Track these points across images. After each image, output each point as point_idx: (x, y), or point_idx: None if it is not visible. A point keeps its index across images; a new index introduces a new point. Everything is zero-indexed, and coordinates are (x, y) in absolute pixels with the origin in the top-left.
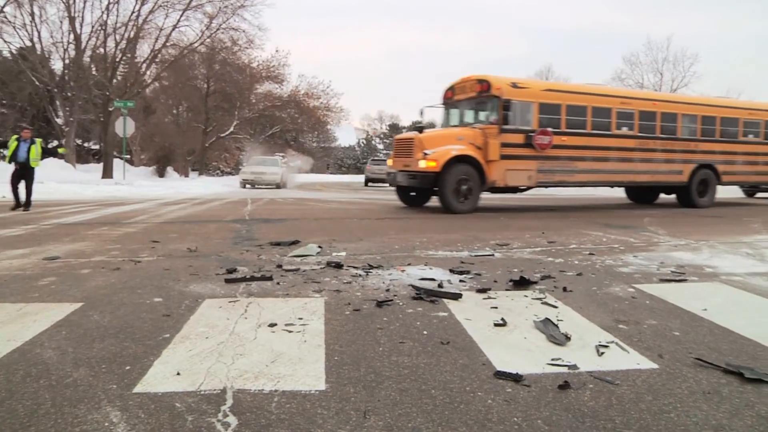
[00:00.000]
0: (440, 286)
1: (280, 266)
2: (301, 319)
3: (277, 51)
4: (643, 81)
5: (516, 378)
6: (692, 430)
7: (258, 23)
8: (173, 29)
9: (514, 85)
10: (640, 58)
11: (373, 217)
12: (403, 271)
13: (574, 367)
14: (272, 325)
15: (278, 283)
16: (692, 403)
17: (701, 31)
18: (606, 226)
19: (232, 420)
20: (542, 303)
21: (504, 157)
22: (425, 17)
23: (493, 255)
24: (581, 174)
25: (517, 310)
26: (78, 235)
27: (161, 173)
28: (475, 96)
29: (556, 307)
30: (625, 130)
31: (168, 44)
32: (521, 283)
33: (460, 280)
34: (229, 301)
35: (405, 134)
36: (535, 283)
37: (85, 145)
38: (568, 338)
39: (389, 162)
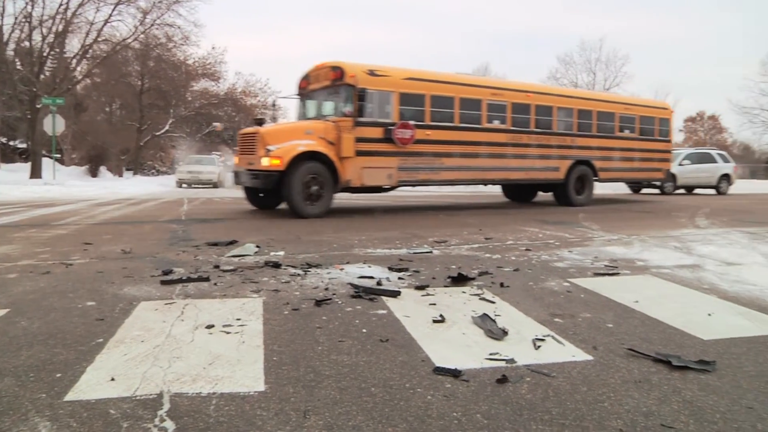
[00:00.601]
0: (379, 284)
1: (217, 267)
2: (239, 319)
3: (213, 48)
4: (577, 80)
5: (455, 373)
6: (624, 418)
7: (194, 19)
8: (105, 24)
9: (372, 73)
10: (574, 58)
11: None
12: (341, 269)
13: (512, 361)
14: (210, 326)
15: (215, 284)
16: (624, 392)
17: (632, 33)
18: (542, 223)
19: (169, 425)
20: (480, 299)
21: (360, 153)
22: (366, 15)
23: (431, 252)
24: (448, 171)
25: (456, 306)
26: (3, 238)
27: (94, 173)
28: (329, 85)
29: (493, 302)
30: (496, 124)
31: (99, 39)
32: (459, 280)
33: (399, 278)
34: (166, 303)
35: (248, 128)
36: (473, 279)
37: (11, 143)
38: (505, 333)
39: (235, 160)
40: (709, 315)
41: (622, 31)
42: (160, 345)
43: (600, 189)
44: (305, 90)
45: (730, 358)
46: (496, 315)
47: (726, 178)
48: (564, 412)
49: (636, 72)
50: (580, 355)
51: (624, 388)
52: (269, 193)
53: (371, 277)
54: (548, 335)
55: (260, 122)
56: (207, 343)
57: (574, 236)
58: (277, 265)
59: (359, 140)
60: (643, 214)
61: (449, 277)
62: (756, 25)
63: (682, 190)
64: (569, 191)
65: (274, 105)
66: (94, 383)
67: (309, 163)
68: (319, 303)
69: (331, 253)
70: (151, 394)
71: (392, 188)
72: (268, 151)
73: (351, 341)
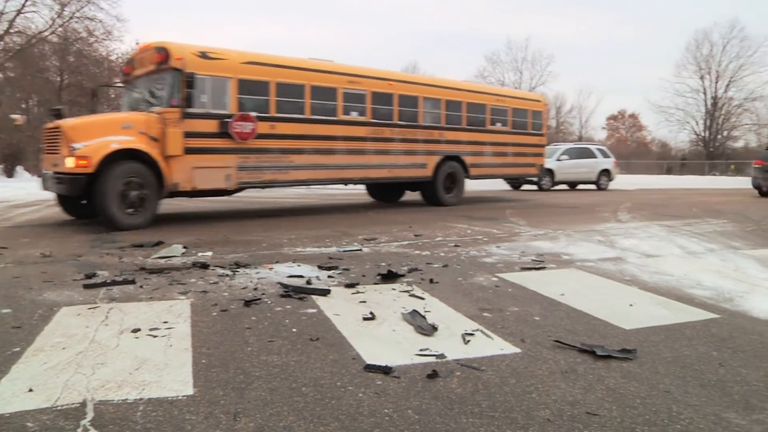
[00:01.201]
0: (309, 282)
1: (143, 269)
2: (166, 322)
3: (137, 44)
4: (504, 79)
5: (386, 370)
6: (552, 408)
7: (116, 14)
8: (17, 14)
9: (204, 55)
10: (501, 57)
11: (239, 215)
12: (271, 269)
13: (442, 356)
14: (136, 330)
15: (141, 287)
16: (552, 383)
17: (558, 33)
18: (470, 219)
19: None
20: (410, 295)
21: (190, 151)
22: (297, 13)
23: (361, 250)
24: (300, 171)
25: (386, 303)
26: None
27: (9, 173)
28: (154, 70)
29: (423, 298)
30: (355, 116)
31: (12, 31)
32: (389, 277)
33: (329, 276)
34: (89, 308)
35: (51, 123)
36: (403, 276)
37: None
38: (435, 328)
39: (43, 160)
40: (631, 305)
41: (548, 31)
42: (83, 351)
43: (479, 186)
44: (129, 76)
45: (650, 346)
46: (425, 311)
47: (606, 173)
48: (493, 404)
49: (561, 71)
50: (509, 348)
51: (551, 378)
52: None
53: (301, 276)
54: (477, 330)
55: (58, 114)
56: (133, 347)
57: (501, 232)
58: (205, 266)
59: (189, 135)
60: (570, 210)
61: (379, 274)
62: (672, 28)
63: (564, 186)
64: (438, 189)
65: (94, 95)
66: (10, 395)
67: (126, 164)
68: (248, 303)
69: (260, 252)
70: (73, 404)
71: (235, 191)
72: (73, 149)
73: (281, 341)
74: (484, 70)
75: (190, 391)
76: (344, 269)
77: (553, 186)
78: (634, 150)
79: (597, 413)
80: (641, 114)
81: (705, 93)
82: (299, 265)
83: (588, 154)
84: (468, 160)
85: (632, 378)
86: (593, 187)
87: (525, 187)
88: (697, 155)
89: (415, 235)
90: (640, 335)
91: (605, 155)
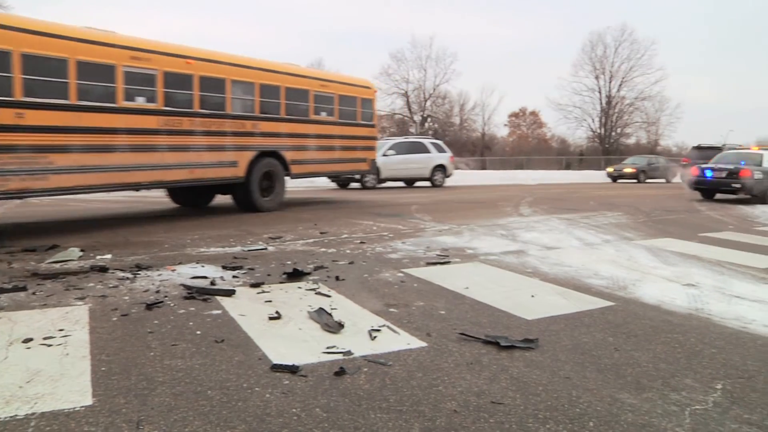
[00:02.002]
0: (213, 283)
1: (36, 274)
2: (62, 330)
3: None
4: (409, 76)
5: (293, 369)
6: (458, 399)
7: None
8: None
9: None
10: (405, 55)
11: (139, 215)
12: (173, 270)
13: (349, 353)
14: (27, 340)
15: (34, 293)
16: (458, 375)
17: (462, 32)
18: (376, 215)
19: None
20: (316, 293)
21: None
22: (205, 8)
23: (266, 249)
24: (64, 175)
25: (292, 302)
26: None
27: None
28: None
29: (329, 296)
30: (142, 103)
31: None
32: (295, 275)
33: (234, 276)
34: None
35: None
36: (309, 274)
37: None
38: (341, 326)
39: None
40: (533, 296)
41: (452, 30)
42: None
43: (292, 185)
44: None
45: (551, 335)
46: (332, 308)
47: (441, 169)
48: (401, 398)
49: (464, 69)
50: (415, 343)
51: (457, 371)
52: None
53: (205, 277)
54: (384, 325)
55: None
56: (24, 358)
57: (407, 228)
58: (104, 270)
59: None
60: (474, 204)
61: (285, 273)
62: (571, 29)
63: (401, 183)
64: (253, 192)
65: None
66: None
67: None
68: (150, 307)
69: (162, 253)
70: None
71: None
72: None
73: (185, 344)
74: (388, 67)
75: (88, 401)
76: (249, 269)
77: (379, 184)
78: (535, 146)
79: (501, 402)
80: (541, 111)
81: (600, 92)
82: (203, 266)
83: (420, 148)
84: (288, 155)
85: (535, 366)
86: (428, 184)
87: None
88: (593, 151)
89: (321, 233)
90: (541, 325)
91: (440, 149)
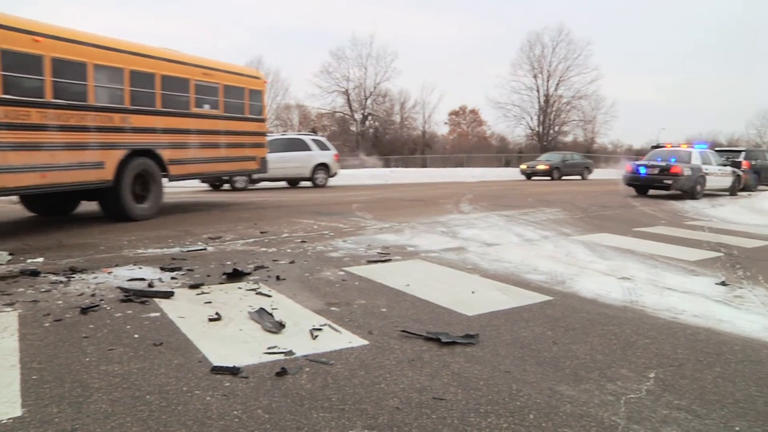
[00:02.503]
0: (151, 285)
1: None
2: None
3: None
4: (349, 74)
5: (234, 371)
6: (400, 396)
7: None
8: None
9: None
10: (346, 53)
11: (73, 217)
12: (109, 272)
13: (290, 353)
14: None
15: None
16: (399, 372)
17: (402, 31)
18: (316, 214)
19: None
20: (257, 293)
21: None
22: (144, 4)
23: (205, 249)
24: None
25: (232, 302)
26: None
27: None
28: None
29: (270, 296)
30: None
31: None
32: (235, 276)
33: (172, 278)
34: None
35: None
36: (249, 274)
37: None
38: (283, 326)
39: None
40: (473, 293)
41: (393, 28)
42: None
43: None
44: None
45: (491, 330)
46: (273, 308)
47: (323, 168)
48: (343, 397)
49: (405, 67)
50: (357, 341)
51: (399, 368)
52: None
53: (142, 279)
54: (325, 324)
55: None
56: None
57: (348, 226)
58: (35, 273)
59: None
60: (414, 203)
61: (224, 273)
62: (509, 28)
63: (283, 184)
64: (123, 197)
65: None
66: None
67: None
68: (85, 311)
69: (98, 256)
70: None
71: None
72: None
73: (122, 348)
74: (329, 65)
75: (17, 412)
76: (188, 270)
77: (250, 184)
78: (475, 144)
79: (443, 398)
80: (481, 110)
81: (538, 91)
82: (140, 268)
83: (300, 146)
84: (166, 154)
85: (475, 361)
86: (309, 184)
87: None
88: (532, 149)
89: (261, 232)
90: (482, 320)
91: (323, 147)
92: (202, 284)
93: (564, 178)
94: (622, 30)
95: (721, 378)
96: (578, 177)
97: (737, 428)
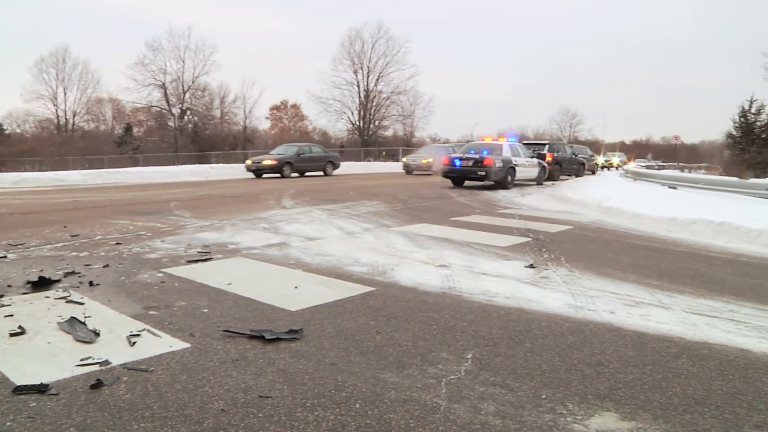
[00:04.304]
0: None
1: None
2: None
3: None
4: (166, 67)
5: (41, 389)
6: (225, 397)
7: None
8: None
9: None
10: (162, 45)
11: None
12: None
13: (106, 362)
14: None
15: None
16: (223, 373)
17: (222, 25)
18: (133, 214)
19: None
20: (67, 301)
21: None
22: None
23: (5, 257)
24: None
25: (38, 314)
26: None
27: None
28: None
29: (82, 303)
30: None
31: None
32: (41, 284)
33: None
34: None
35: None
36: (58, 281)
37: None
38: (97, 334)
39: None
40: (296, 288)
41: (212, 21)
42: None
43: None
44: None
45: (315, 324)
46: (86, 317)
47: None
48: (165, 404)
49: (225, 61)
50: (178, 345)
51: (223, 369)
52: None
53: None
54: (144, 329)
55: None
56: None
57: (166, 225)
58: None
59: None
60: (235, 199)
61: (29, 282)
62: (330, 24)
63: None
64: None
65: None
66: None
67: None
68: None
69: None
70: None
71: None
72: None
73: None
74: (144, 57)
75: None
76: None
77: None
78: (297, 139)
79: (269, 395)
80: (303, 105)
81: (359, 86)
82: None
83: None
84: None
85: (300, 356)
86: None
87: None
88: (353, 143)
89: (72, 236)
90: (305, 315)
91: None
92: (2, 296)
93: (307, 174)
94: (436, 25)
95: (530, 353)
96: (320, 173)
97: (544, 396)
